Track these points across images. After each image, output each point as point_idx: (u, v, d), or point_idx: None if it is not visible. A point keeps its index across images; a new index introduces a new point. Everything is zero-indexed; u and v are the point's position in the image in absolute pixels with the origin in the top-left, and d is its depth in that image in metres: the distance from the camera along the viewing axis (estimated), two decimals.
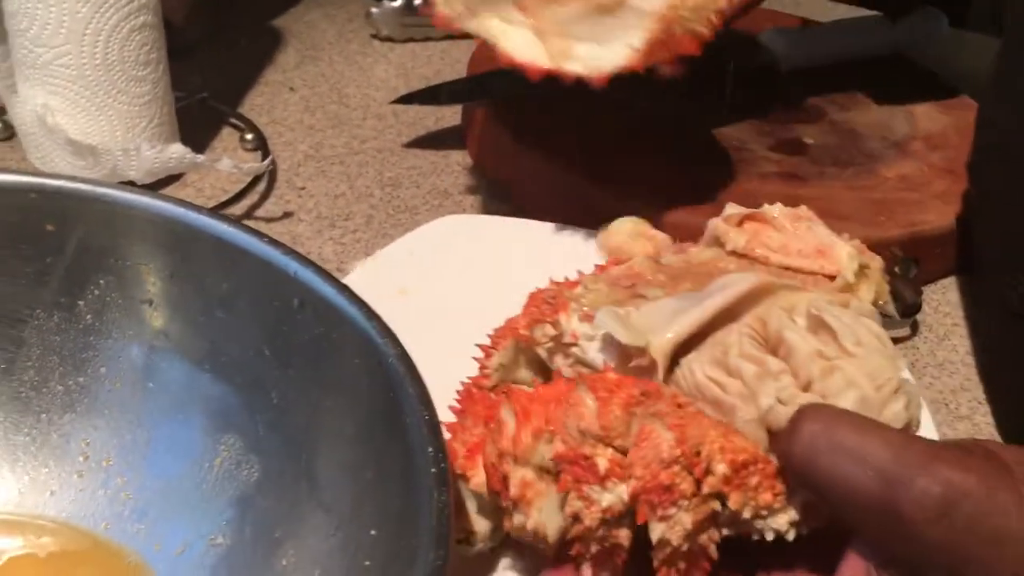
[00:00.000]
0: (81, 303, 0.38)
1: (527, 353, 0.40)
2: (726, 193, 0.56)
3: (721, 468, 0.30)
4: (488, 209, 0.59)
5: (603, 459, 0.31)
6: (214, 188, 0.58)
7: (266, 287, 0.35)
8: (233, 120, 0.64)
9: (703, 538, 0.31)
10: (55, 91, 0.51)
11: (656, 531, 0.31)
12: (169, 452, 0.36)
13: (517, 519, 0.33)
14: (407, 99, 0.61)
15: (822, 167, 0.59)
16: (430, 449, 0.30)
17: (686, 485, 0.30)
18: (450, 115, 0.66)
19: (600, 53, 0.46)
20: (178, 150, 0.51)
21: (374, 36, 0.76)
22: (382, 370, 0.32)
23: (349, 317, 0.34)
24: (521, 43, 0.46)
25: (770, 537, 0.31)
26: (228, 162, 0.52)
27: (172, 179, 0.57)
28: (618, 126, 0.61)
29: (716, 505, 0.31)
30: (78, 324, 0.38)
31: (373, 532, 0.31)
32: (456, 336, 0.42)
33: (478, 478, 0.34)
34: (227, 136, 0.63)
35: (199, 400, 0.36)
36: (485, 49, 0.67)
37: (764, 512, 0.31)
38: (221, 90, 0.66)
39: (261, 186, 0.59)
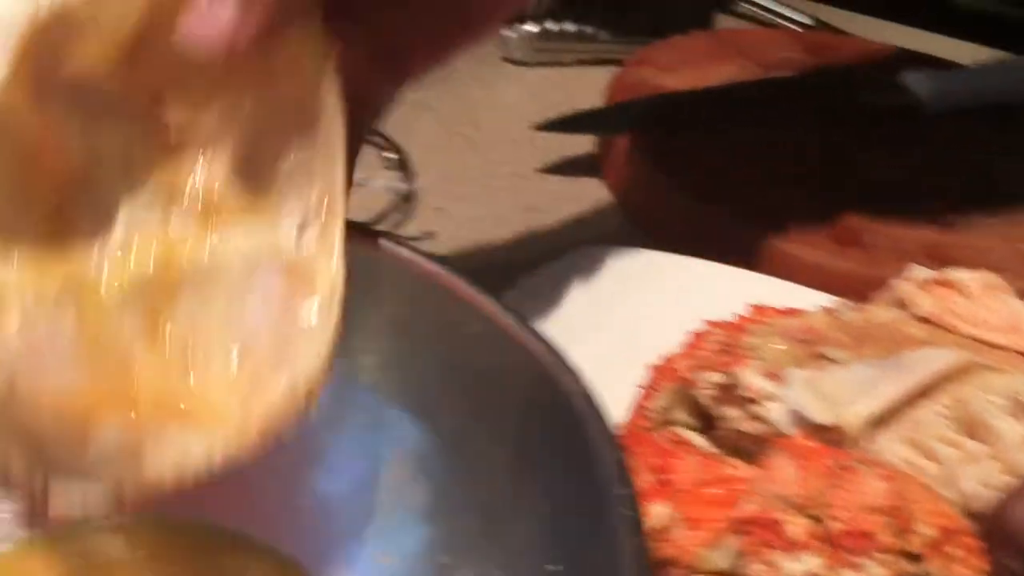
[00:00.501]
0: None
1: (687, 396, 0.40)
2: (872, 236, 0.55)
3: (928, 530, 0.30)
4: (626, 239, 0.59)
5: (794, 526, 0.31)
6: (354, 207, 0.59)
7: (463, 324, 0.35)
8: (372, 138, 0.65)
9: None
10: None
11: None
12: (343, 470, 0.37)
13: None
14: (549, 126, 0.62)
15: (969, 214, 0.58)
16: (618, 492, 0.30)
17: (886, 538, 0.30)
18: (584, 142, 0.67)
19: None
20: None
21: (505, 59, 0.77)
22: (571, 410, 0.32)
23: (536, 353, 0.34)
24: None
25: None
26: (381, 181, 0.52)
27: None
28: (760, 161, 0.60)
29: (910, 567, 0.30)
30: None
31: (550, 568, 0.31)
32: (600, 369, 0.42)
33: (651, 522, 0.34)
34: (367, 155, 0.64)
35: (381, 429, 0.37)
36: (626, 75, 0.68)
37: None
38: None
39: (403, 208, 0.60)
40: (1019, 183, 0.61)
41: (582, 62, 0.76)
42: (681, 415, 0.40)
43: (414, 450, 0.36)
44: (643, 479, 0.35)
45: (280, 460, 0.37)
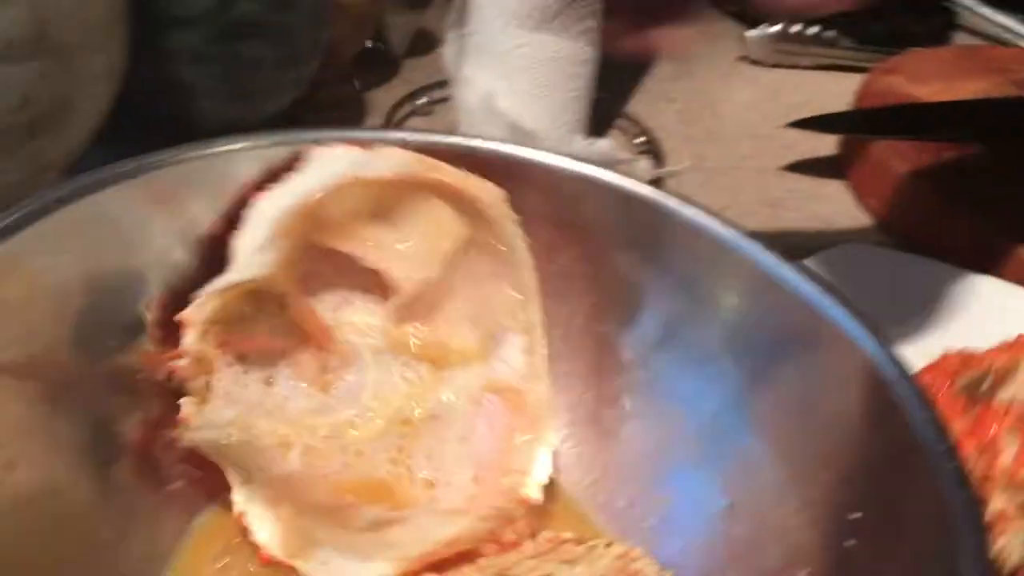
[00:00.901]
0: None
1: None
2: None
3: None
4: (872, 241, 0.60)
5: None
6: None
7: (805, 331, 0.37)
8: (622, 123, 0.67)
9: None
10: (504, 77, 0.55)
11: None
12: (641, 438, 0.40)
13: None
14: (800, 124, 0.63)
15: None
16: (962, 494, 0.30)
17: None
18: (826, 144, 0.67)
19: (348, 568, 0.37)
20: (606, 145, 0.55)
21: (743, 58, 0.78)
22: (888, 392, 0.33)
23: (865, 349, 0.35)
24: (259, 518, 0.37)
25: None
26: (646, 164, 0.55)
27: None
28: (1013, 174, 0.60)
29: None
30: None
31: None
32: None
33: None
34: (615, 138, 0.67)
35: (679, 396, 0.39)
36: (874, 82, 0.68)
37: None
38: (609, 94, 0.70)
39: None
40: None
41: (819, 67, 0.77)
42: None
43: (711, 409, 0.38)
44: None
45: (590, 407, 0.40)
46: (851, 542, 0.32)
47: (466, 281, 0.40)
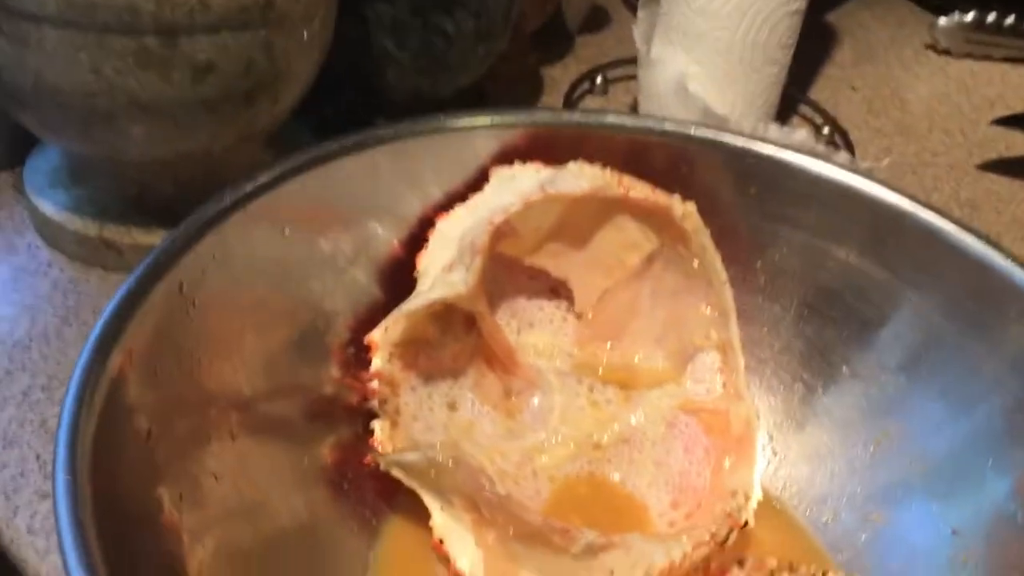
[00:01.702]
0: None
1: None
2: None
3: None
4: None
5: None
6: None
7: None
8: (806, 112, 0.64)
9: None
10: (699, 60, 0.53)
11: None
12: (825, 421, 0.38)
13: None
14: (1008, 121, 0.59)
15: None
16: None
17: None
18: (1021, 143, 0.63)
19: None
20: (803, 135, 0.52)
21: (929, 47, 0.74)
22: None
23: None
24: (460, 544, 0.35)
25: None
26: (846, 156, 0.52)
27: None
28: None
29: None
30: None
31: None
32: None
33: None
34: (800, 127, 0.64)
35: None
36: None
37: None
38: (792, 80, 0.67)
39: None
40: None
41: (1013, 59, 0.72)
42: None
43: (951, 443, 0.36)
44: None
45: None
46: None
47: (655, 298, 0.39)
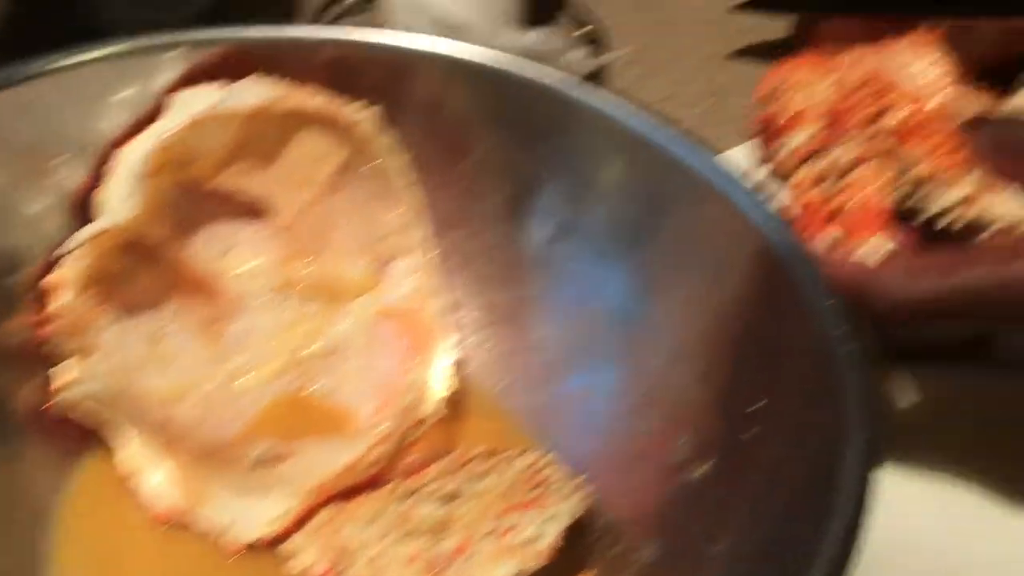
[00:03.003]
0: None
1: None
2: None
3: (904, 113, 0.35)
4: None
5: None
6: None
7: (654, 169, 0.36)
8: (571, 12, 0.65)
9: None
10: None
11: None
12: (547, 320, 0.39)
13: None
14: (749, 5, 0.60)
15: None
16: (841, 333, 0.30)
17: (866, 111, 0.35)
18: (780, 27, 0.65)
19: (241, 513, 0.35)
20: (536, 36, 0.53)
21: None
22: (777, 256, 0.33)
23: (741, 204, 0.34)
24: (149, 475, 0.35)
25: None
26: (582, 52, 0.52)
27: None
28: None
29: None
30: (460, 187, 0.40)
31: (758, 409, 0.32)
32: None
33: None
34: (558, 29, 0.64)
35: (586, 277, 0.38)
36: None
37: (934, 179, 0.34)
38: None
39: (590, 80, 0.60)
40: None
41: None
42: None
43: (619, 300, 0.37)
44: None
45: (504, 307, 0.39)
46: (753, 431, 0.32)
47: (349, 208, 0.39)
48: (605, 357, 0.37)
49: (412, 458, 0.36)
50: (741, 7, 0.61)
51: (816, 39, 0.60)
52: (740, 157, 0.51)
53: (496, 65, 0.38)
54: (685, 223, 0.36)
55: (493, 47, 0.52)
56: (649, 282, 0.36)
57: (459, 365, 0.38)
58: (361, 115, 0.37)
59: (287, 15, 0.62)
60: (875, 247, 0.34)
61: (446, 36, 0.54)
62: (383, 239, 0.39)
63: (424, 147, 0.39)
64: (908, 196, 0.36)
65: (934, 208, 0.35)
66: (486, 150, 0.40)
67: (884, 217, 0.35)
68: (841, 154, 0.37)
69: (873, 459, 0.26)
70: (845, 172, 0.36)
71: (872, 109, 0.37)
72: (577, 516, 0.32)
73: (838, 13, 0.58)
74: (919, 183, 0.36)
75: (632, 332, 0.36)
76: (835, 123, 0.37)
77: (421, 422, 0.36)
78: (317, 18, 0.61)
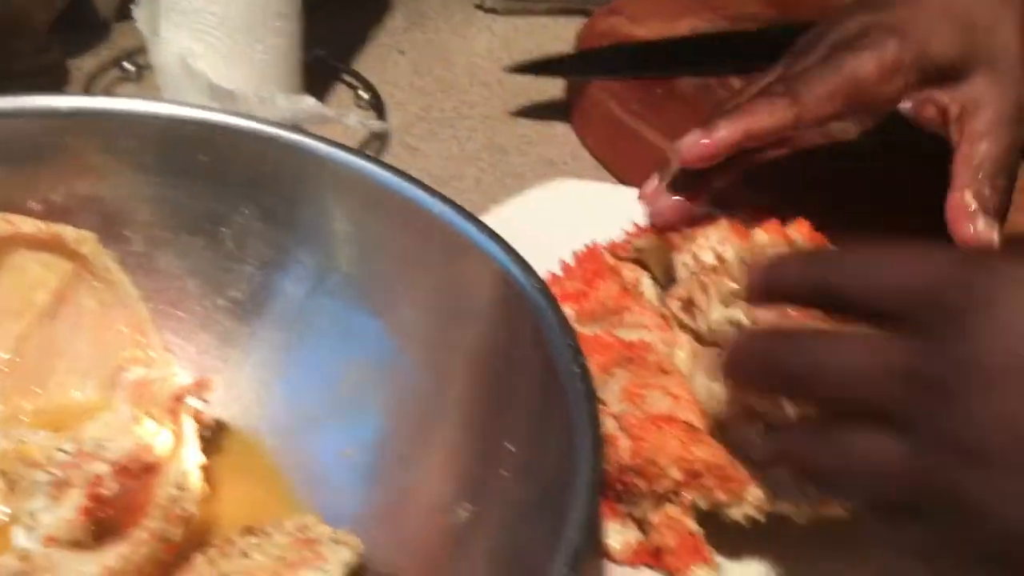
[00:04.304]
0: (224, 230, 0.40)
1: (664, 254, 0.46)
2: None
3: (675, 474, 0.37)
4: (593, 178, 0.61)
5: None
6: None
7: (432, 239, 0.37)
8: (348, 79, 0.66)
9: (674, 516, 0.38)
10: (199, 37, 0.53)
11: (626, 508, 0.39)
12: (312, 374, 0.39)
13: None
14: (521, 68, 0.63)
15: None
16: (576, 368, 0.32)
17: (642, 484, 0.37)
18: (554, 87, 0.68)
19: None
20: (310, 102, 0.54)
21: (478, 7, 0.78)
22: (526, 303, 0.34)
23: (495, 256, 0.36)
24: None
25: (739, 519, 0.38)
26: (355, 118, 0.54)
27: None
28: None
29: (672, 497, 0.38)
30: (219, 250, 0.40)
31: (512, 448, 0.33)
32: None
33: None
34: (342, 94, 0.66)
35: (343, 330, 0.39)
36: (596, 23, 0.70)
37: (722, 506, 0.38)
38: (334, 50, 0.69)
39: (375, 145, 0.61)
40: None
41: (552, 11, 0.78)
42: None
43: (376, 351, 0.38)
44: (573, 284, 0.43)
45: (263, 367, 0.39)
46: (505, 472, 0.33)
47: (75, 331, 0.38)
48: (367, 408, 0.38)
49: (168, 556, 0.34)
50: (515, 70, 0.64)
51: (582, 98, 0.64)
52: (518, 208, 0.55)
53: (252, 130, 0.39)
54: (442, 277, 0.37)
55: (262, 114, 0.53)
56: (406, 332, 0.37)
57: (217, 434, 0.38)
58: (75, 234, 0.37)
59: (58, 84, 0.60)
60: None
61: (220, 104, 0.54)
62: (113, 356, 0.38)
63: (185, 211, 0.39)
64: None
65: None
66: (245, 213, 0.40)
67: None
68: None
69: (596, 489, 0.28)
70: None
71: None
72: (352, 567, 0.33)
73: (604, 78, 0.62)
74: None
75: (393, 382, 0.37)
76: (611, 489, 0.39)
77: (181, 519, 0.34)
78: (88, 85, 0.60)
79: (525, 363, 0.33)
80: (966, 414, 0.26)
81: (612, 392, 0.39)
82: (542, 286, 0.34)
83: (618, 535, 0.39)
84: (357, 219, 0.38)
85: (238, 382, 0.40)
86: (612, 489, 0.38)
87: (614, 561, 0.39)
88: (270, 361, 0.39)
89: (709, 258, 0.44)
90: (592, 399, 0.31)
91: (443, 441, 0.36)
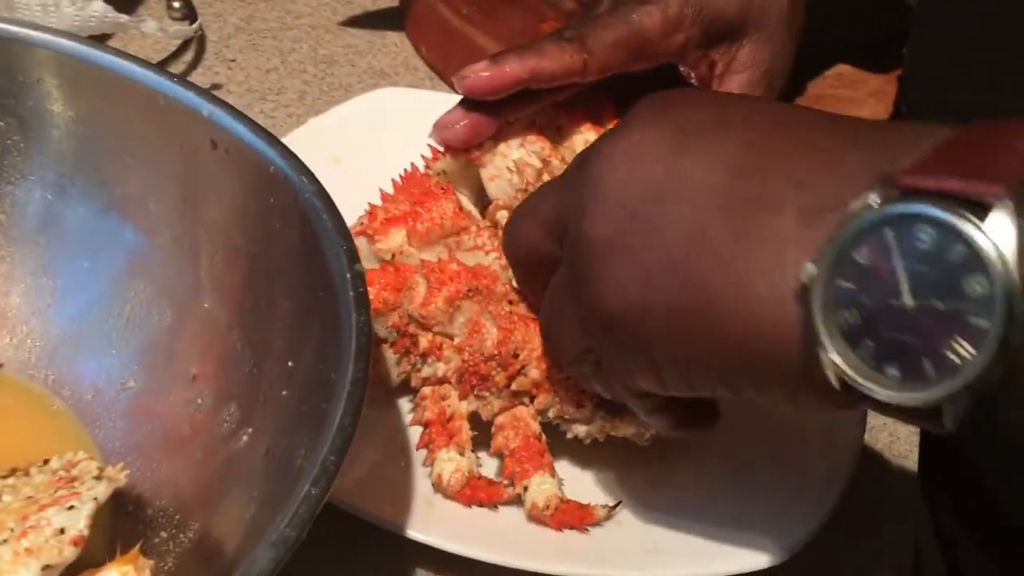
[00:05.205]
0: None
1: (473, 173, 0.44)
2: None
3: (534, 373, 0.36)
4: (427, 90, 0.58)
5: (423, 340, 0.37)
6: (138, 54, 0.56)
7: (176, 129, 0.34)
8: None
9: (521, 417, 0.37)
10: None
11: (473, 406, 0.37)
12: (75, 300, 0.36)
13: None
14: None
15: None
16: (348, 275, 0.30)
17: (500, 378, 0.36)
18: None
19: None
20: (100, 8, 0.49)
21: None
22: (298, 205, 0.31)
23: (264, 155, 0.33)
24: None
25: (570, 437, 0.38)
26: (153, 24, 0.49)
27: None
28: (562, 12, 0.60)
29: (525, 400, 0.37)
30: None
31: (291, 364, 0.31)
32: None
33: (383, 244, 0.39)
34: (153, 2, 0.60)
35: (107, 247, 0.35)
36: None
37: (567, 417, 0.37)
38: None
39: (188, 56, 0.57)
40: None
41: None
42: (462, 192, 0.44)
43: (147, 270, 0.35)
44: (399, 207, 0.40)
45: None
46: (285, 392, 0.30)
47: None
48: (142, 328, 0.35)
49: None
50: None
51: (416, 4, 0.60)
52: (343, 117, 0.51)
53: None
54: (193, 175, 0.34)
55: (44, 22, 0.48)
56: (155, 231, 0.34)
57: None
58: None
59: None
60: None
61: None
62: None
63: None
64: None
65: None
66: None
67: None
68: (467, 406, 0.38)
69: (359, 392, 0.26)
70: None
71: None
72: (103, 501, 0.30)
73: None
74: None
75: (160, 292, 0.34)
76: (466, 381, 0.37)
77: None
78: None
79: (296, 269, 0.31)
80: (594, 289, 0.29)
81: (458, 325, 0.37)
82: (317, 188, 0.31)
83: (449, 463, 0.37)
84: (89, 108, 0.34)
85: (8, 318, 0.36)
86: (469, 378, 0.36)
87: (445, 494, 0.37)
88: (34, 288, 0.36)
89: (534, 161, 0.42)
90: (365, 306, 0.28)
91: (225, 368, 0.33)
